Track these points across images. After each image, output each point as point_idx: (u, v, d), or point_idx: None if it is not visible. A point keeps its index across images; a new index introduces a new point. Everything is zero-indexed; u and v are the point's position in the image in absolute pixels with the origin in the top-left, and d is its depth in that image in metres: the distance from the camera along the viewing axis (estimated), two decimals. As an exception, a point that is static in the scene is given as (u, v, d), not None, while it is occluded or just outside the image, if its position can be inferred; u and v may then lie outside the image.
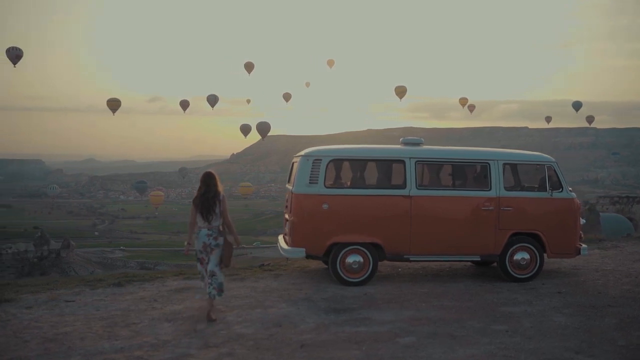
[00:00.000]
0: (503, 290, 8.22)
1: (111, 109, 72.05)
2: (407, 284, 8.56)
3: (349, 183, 8.88)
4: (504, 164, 8.83)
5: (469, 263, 9.89)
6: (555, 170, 8.89)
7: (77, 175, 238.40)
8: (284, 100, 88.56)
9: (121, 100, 74.19)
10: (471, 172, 9.09)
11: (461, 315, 6.89)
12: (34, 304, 7.28)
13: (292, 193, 8.59)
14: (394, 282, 8.67)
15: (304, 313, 6.94)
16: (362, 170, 8.90)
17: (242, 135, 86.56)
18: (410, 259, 8.66)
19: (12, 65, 56.66)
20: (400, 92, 75.78)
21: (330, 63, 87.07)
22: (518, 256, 8.71)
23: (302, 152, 8.84)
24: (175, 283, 8.59)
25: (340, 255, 8.35)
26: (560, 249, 8.90)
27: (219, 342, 5.88)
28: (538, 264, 8.77)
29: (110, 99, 73.36)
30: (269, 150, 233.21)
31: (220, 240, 6.90)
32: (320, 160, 8.46)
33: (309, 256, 8.57)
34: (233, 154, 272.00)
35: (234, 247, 7.08)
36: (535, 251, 8.74)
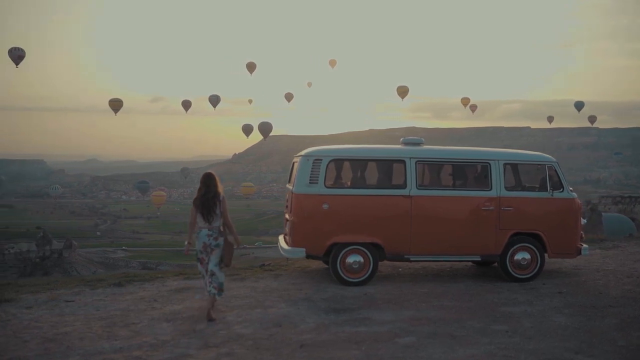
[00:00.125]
0: (503, 290, 8.21)
1: (113, 109, 72.17)
2: (408, 284, 8.55)
3: (349, 183, 8.87)
4: (505, 164, 8.82)
5: (470, 263, 9.88)
6: (556, 170, 8.87)
7: (79, 176, 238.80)
8: (286, 100, 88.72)
9: (123, 101, 74.32)
10: (472, 172, 9.08)
11: (461, 315, 6.88)
12: (34, 304, 7.28)
13: (292, 193, 8.59)
14: (394, 282, 8.66)
15: (303, 313, 6.93)
16: (362, 170, 8.89)
17: (244, 136, 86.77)
18: (411, 259, 8.65)
19: (15, 65, 56.76)
20: (402, 92, 75.81)
21: (332, 63, 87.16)
22: (519, 256, 8.70)
23: (303, 152, 8.83)
24: (175, 283, 8.58)
25: (341, 255, 8.34)
26: (561, 249, 8.89)
27: (218, 342, 5.87)
28: (539, 264, 8.76)
29: (112, 99, 73.50)
30: (271, 150, 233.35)
31: (221, 240, 6.92)
32: (321, 160, 8.45)
33: (309, 256, 8.57)
34: (235, 154, 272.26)
35: (235, 247, 7.10)
36: (536, 251, 8.73)
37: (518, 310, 7.15)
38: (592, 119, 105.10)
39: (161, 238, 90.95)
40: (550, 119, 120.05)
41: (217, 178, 7.11)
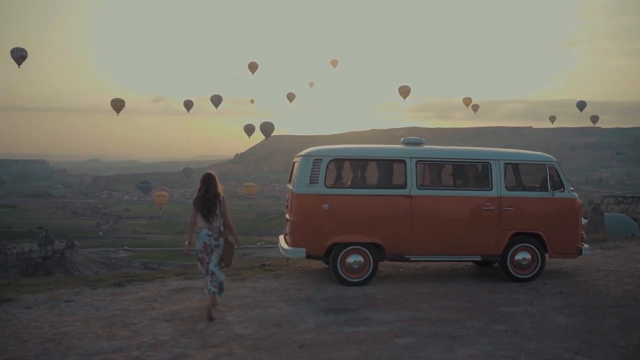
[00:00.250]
0: (504, 290, 8.19)
1: (115, 110, 72.26)
2: (408, 284, 8.54)
3: (349, 183, 8.86)
4: (505, 164, 8.80)
5: (470, 263, 9.86)
6: (556, 170, 8.85)
7: (81, 176, 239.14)
8: (287, 100, 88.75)
9: (125, 101, 74.42)
10: (472, 172, 9.07)
11: (461, 316, 6.87)
12: (34, 304, 7.28)
13: (292, 193, 8.58)
14: (395, 282, 8.65)
15: (303, 313, 6.92)
16: (362, 170, 8.88)
17: (246, 136, 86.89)
18: (411, 259, 8.63)
19: (17, 65, 56.87)
20: (404, 92, 75.80)
21: (334, 63, 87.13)
22: (519, 256, 8.68)
23: (303, 152, 8.83)
24: (175, 283, 8.58)
25: (341, 255, 8.33)
26: (562, 249, 8.87)
27: (217, 342, 5.87)
28: (539, 264, 8.74)
29: (114, 99, 73.59)
30: (273, 150, 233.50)
31: (221, 240, 6.93)
32: (321, 160, 8.44)
33: (309, 256, 8.56)
34: (237, 154, 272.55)
35: (235, 247, 7.11)
36: (537, 251, 8.71)
37: (518, 311, 7.13)
38: (594, 118, 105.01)
39: (163, 238, 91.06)
40: (552, 119, 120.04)
41: (217, 178, 7.11)
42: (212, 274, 6.86)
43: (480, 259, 8.85)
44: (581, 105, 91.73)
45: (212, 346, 5.74)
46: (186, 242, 7.12)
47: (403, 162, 8.56)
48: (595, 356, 5.56)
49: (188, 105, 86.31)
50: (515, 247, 8.67)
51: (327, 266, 8.94)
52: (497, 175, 8.66)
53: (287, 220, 8.92)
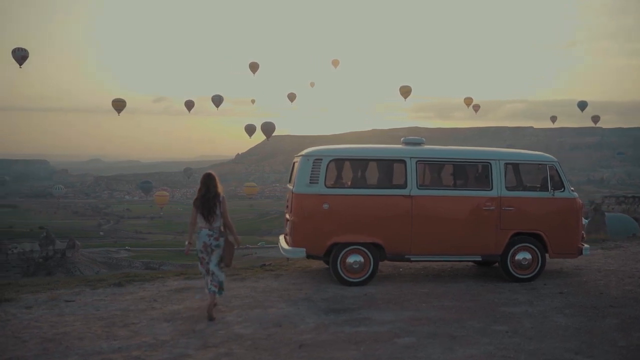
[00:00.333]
0: (504, 290, 8.18)
1: (116, 110, 72.25)
2: (408, 284, 8.53)
3: (349, 183, 8.85)
4: (506, 164, 8.79)
5: (471, 263, 9.85)
6: (557, 170, 8.84)
7: (82, 176, 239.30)
8: (288, 100, 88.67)
9: (126, 101, 74.42)
10: (472, 172, 9.06)
11: (461, 316, 6.86)
12: (34, 304, 7.28)
13: (292, 193, 8.58)
14: (395, 282, 8.64)
15: (303, 313, 6.92)
16: (362, 170, 8.87)
17: (246, 136, 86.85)
18: (411, 259, 8.62)
19: (18, 66, 56.89)
20: (405, 92, 75.73)
21: (335, 63, 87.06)
22: (520, 256, 8.66)
23: (303, 152, 8.82)
24: (175, 283, 8.58)
25: (341, 255, 8.33)
26: (562, 249, 8.86)
27: (217, 342, 5.86)
28: (540, 264, 8.73)
29: (116, 99, 73.58)
30: (274, 150, 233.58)
31: (221, 240, 6.94)
32: (321, 160, 8.44)
33: (309, 256, 8.56)
34: (238, 154, 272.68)
35: (235, 247, 7.11)
36: (537, 251, 8.70)
37: (518, 311, 7.13)
38: (595, 118, 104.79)
39: (164, 238, 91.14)
40: (553, 119, 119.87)
41: (217, 178, 7.12)
42: (212, 273, 6.87)
43: (480, 259, 8.84)
44: (582, 105, 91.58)
45: (212, 346, 5.74)
46: (186, 242, 7.12)
47: (403, 162, 8.55)
48: (596, 356, 5.55)
49: (189, 105, 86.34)
50: (516, 247, 8.66)
51: (327, 266, 8.94)
52: (498, 175, 8.65)
53: (287, 220, 8.92)
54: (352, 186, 8.77)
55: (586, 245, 9.06)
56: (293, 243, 8.45)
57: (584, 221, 9.27)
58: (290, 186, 8.92)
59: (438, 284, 8.60)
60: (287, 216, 8.96)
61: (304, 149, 9.09)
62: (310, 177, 8.37)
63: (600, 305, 7.39)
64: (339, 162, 8.71)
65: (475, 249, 8.65)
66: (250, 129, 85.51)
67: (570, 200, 8.89)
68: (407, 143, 9.04)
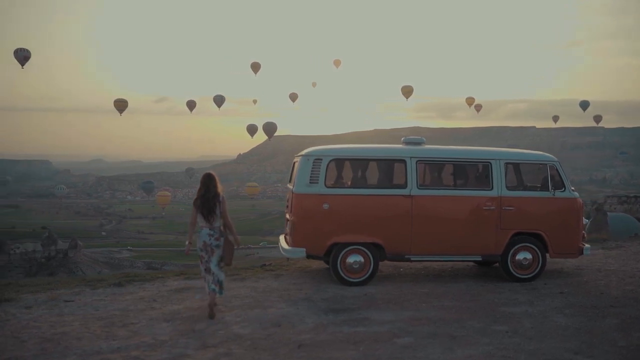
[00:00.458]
0: (505, 290, 8.16)
1: (118, 110, 72.30)
2: (408, 284, 8.51)
3: (349, 183, 8.84)
4: (506, 164, 8.77)
5: (471, 263, 9.84)
6: (557, 170, 8.81)
7: (84, 176, 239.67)
8: (290, 100, 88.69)
9: (128, 101, 74.47)
10: (473, 172, 9.04)
11: (461, 316, 6.85)
12: (33, 304, 7.28)
13: (292, 193, 8.57)
14: (395, 282, 8.63)
15: (303, 313, 6.91)
16: (362, 170, 8.86)
17: (248, 136, 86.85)
18: (411, 259, 8.61)
19: (20, 66, 56.96)
20: (407, 92, 75.69)
21: (337, 63, 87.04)
22: (520, 256, 8.65)
23: (303, 152, 8.82)
24: (175, 283, 8.57)
25: (341, 255, 8.32)
26: (563, 249, 8.84)
27: (216, 342, 5.85)
28: (540, 264, 8.71)
29: (117, 99, 73.64)
30: (276, 150, 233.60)
31: (222, 240, 6.96)
32: (321, 160, 8.43)
33: (309, 256, 8.55)
34: (240, 154, 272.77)
35: (235, 247, 7.11)
36: (538, 251, 8.68)
37: (519, 311, 7.11)
38: (597, 118, 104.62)
39: (166, 238, 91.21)
40: (555, 119, 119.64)
41: (216, 178, 7.13)
42: (213, 273, 6.89)
43: (480, 259, 8.83)
44: (584, 105, 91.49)
45: (211, 346, 5.73)
46: (186, 242, 7.15)
47: (403, 161, 8.54)
48: (595, 356, 5.53)
49: (191, 105, 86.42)
50: (516, 247, 8.64)
51: (327, 266, 8.93)
52: (498, 175, 8.63)
53: (288, 220, 8.91)
54: (352, 186, 8.75)
55: (587, 245, 9.04)
56: (293, 243, 8.44)
57: (585, 221, 9.23)
58: (290, 186, 8.92)
59: (438, 284, 8.58)
60: (287, 216, 8.95)
61: (305, 149, 9.08)
62: (310, 177, 8.36)
63: (601, 305, 7.37)
64: (339, 162, 8.70)
65: (475, 249, 8.63)
66: (252, 129, 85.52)
67: (571, 200, 8.87)
68: (407, 143, 9.03)
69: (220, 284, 6.89)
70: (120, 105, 72.63)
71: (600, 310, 7.11)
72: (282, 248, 8.84)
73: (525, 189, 9.02)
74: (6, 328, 6.29)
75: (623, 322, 6.65)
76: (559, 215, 8.79)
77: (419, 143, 9.00)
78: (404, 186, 8.47)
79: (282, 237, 9.26)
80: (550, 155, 9.13)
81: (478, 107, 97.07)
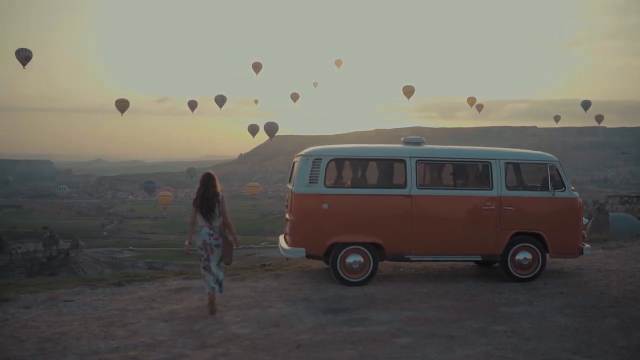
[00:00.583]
0: (504, 290, 8.15)
1: (119, 110, 72.38)
2: (408, 284, 8.50)
3: (349, 182, 8.83)
4: (506, 163, 8.76)
5: (472, 263, 9.82)
6: (557, 170, 8.79)
7: (85, 176, 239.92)
8: (291, 100, 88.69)
9: (129, 101, 74.57)
10: (472, 172, 9.03)
11: (460, 316, 6.84)
12: (32, 304, 7.27)
13: (292, 193, 8.56)
14: (395, 282, 8.62)
15: (302, 313, 6.90)
16: (362, 170, 8.85)
17: (250, 136, 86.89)
18: (411, 259, 8.60)
19: (22, 66, 57.04)
20: (408, 92, 75.69)
21: (338, 63, 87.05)
22: (520, 256, 8.63)
23: (302, 152, 8.81)
24: (175, 283, 8.57)
25: (341, 255, 8.31)
26: (563, 249, 8.82)
27: (214, 342, 5.85)
28: (540, 264, 8.70)
29: (119, 99, 73.74)
30: (277, 150, 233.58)
31: (221, 240, 6.96)
32: (320, 159, 8.42)
33: (309, 256, 8.54)
34: (241, 154, 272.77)
35: (234, 247, 7.12)
36: (538, 251, 8.66)
37: (518, 311, 7.10)
38: (599, 118, 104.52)
39: (167, 238, 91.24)
40: (556, 119, 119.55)
41: (216, 178, 7.15)
42: (213, 273, 6.92)
43: (480, 259, 8.82)
44: (586, 104, 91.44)
45: (209, 346, 5.73)
46: (186, 242, 7.16)
47: (403, 161, 8.52)
48: (594, 356, 5.52)
49: (192, 105, 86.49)
50: (516, 246, 8.62)
51: (327, 266, 8.92)
52: (498, 175, 8.61)
53: (287, 220, 8.91)
54: (352, 186, 8.75)
55: (587, 245, 9.02)
56: (292, 243, 8.44)
57: (585, 221, 9.21)
58: (290, 186, 8.91)
59: (438, 284, 8.57)
60: (287, 216, 8.94)
61: (305, 149, 9.07)
62: (310, 176, 8.35)
63: (601, 305, 7.36)
64: (338, 161, 8.69)
65: (475, 249, 8.62)
66: (253, 129, 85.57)
67: (571, 200, 8.85)
68: (407, 142, 9.02)
69: (220, 283, 6.91)
70: (122, 105, 72.72)
71: (600, 310, 7.10)
72: (282, 248, 8.83)
73: (525, 188, 9.01)
74: (5, 328, 6.29)
75: (623, 322, 6.64)
76: (559, 215, 8.77)
77: (418, 143, 8.99)
78: (404, 186, 8.46)
79: (281, 237, 9.26)
80: (550, 155, 9.11)
81: (479, 107, 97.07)
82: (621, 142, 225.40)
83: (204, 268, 6.97)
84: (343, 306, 7.23)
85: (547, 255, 8.76)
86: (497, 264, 9.00)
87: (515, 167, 9.09)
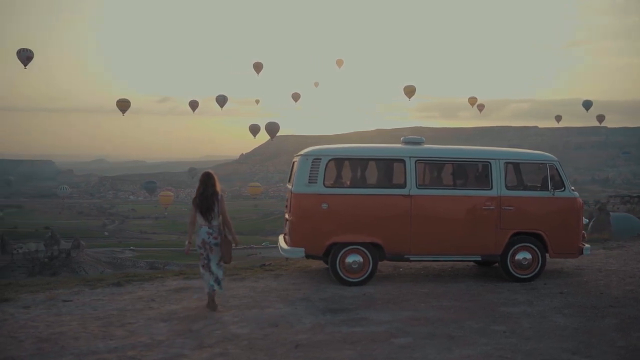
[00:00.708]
0: (504, 290, 8.13)
1: (121, 110, 72.49)
2: (408, 284, 8.49)
3: (348, 182, 8.82)
4: (506, 163, 8.74)
5: (471, 263, 9.80)
6: (557, 169, 8.77)
7: (87, 176, 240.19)
8: (292, 100, 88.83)
9: (131, 101, 74.66)
10: (472, 171, 9.01)
11: (460, 316, 6.82)
12: (31, 304, 7.27)
13: (291, 193, 8.56)
14: (394, 282, 8.60)
15: (301, 313, 6.89)
16: (361, 170, 8.83)
17: (251, 136, 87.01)
18: (411, 259, 8.59)
19: (23, 66, 57.13)
20: (410, 91, 75.72)
21: (339, 63, 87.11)
22: (520, 256, 8.61)
23: (302, 152, 8.80)
24: (174, 283, 8.56)
25: (340, 255, 8.29)
26: (563, 249, 8.80)
27: (213, 342, 5.84)
28: (540, 264, 8.68)
29: (120, 99, 73.87)
30: (278, 150, 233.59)
31: (220, 239, 6.97)
32: (320, 159, 8.41)
33: (308, 256, 8.53)
34: (242, 154, 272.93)
35: (233, 246, 7.13)
36: (537, 251, 8.65)
37: (518, 311, 7.08)
38: (600, 118, 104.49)
39: (169, 238, 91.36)
40: (558, 119, 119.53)
41: (215, 177, 7.18)
42: (212, 273, 6.96)
43: (480, 259, 8.80)
44: (587, 104, 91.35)
45: (207, 346, 5.72)
46: (186, 242, 7.18)
47: (402, 161, 8.51)
48: (593, 356, 5.51)
49: (193, 105, 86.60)
50: (516, 246, 8.61)
51: (326, 266, 8.91)
52: (497, 175, 8.60)
53: (287, 220, 8.90)
54: (351, 186, 8.74)
55: (587, 245, 9.00)
56: (292, 243, 8.43)
57: (585, 221, 9.19)
58: (289, 186, 8.90)
59: (438, 284, 8.55)
60: (286, 216, 8.94)
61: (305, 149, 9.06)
62: (309, 176, 8.34)
63: (600, 305, 7.34)
64: (338, 161, 8.68)
65: (475, 249, 8.60)
66: (254, 129, 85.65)
67: (571, 200, 8.84)
68: (406, 142, 9.00)
69: (219, 282, 6.95)
70: (123, 105, 72.82)
71: (599, 311, 7.08)
72: (281, 248, 8.83)
73: (525, 188, 8.99)
74: (3, 328, 6.28)
75: (622, 322, 6.62)
76: (559, 215, 8.75)
77: (418, 143, 8.97)
78: (403, 186, 8.44)
79: (281, 237, 9.25)
80: (550, 155, 9.09)
81: (480, 107, 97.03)
82: (622, 142, 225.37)
83: (203, 267, 6.98)
84: (342, 306, 7.22)
85: (547, 255, 8.74)
86: (496, 264, 8.98)
87: (515, 167, 9.07)
